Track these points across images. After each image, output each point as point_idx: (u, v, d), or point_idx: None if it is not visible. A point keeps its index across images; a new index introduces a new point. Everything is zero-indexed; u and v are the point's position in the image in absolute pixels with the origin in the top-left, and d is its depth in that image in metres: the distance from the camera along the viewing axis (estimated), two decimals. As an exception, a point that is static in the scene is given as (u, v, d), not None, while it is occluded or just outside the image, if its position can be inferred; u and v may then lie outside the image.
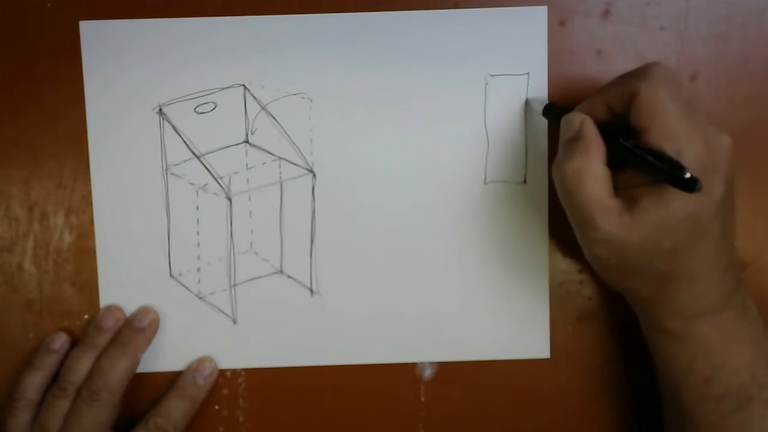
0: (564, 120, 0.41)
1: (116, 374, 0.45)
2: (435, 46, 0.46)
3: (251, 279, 0.47)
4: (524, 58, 0.46)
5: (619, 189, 0.39)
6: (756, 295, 0.47)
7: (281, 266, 0.47)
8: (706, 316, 0.40)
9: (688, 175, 0.36)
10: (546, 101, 0.45)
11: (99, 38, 0.46)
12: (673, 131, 0.38)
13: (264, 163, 0.47)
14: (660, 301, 0.41)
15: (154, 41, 0.46)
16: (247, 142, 0.47)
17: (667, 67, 0.39)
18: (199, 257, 0.47)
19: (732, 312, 0.41)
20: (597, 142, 0.39)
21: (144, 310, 0.47)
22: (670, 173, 0.37)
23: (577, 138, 0.40)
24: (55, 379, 0.45)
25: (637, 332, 0.44)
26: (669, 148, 0.37)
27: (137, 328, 0.46)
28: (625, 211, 0.38)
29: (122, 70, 0.46)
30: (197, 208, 0.47)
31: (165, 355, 0.47)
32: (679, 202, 0.38)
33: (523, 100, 0.46)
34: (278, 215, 0.47)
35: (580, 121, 0.40)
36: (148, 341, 0.47)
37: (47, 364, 0.46)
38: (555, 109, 0.44)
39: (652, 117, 0.38)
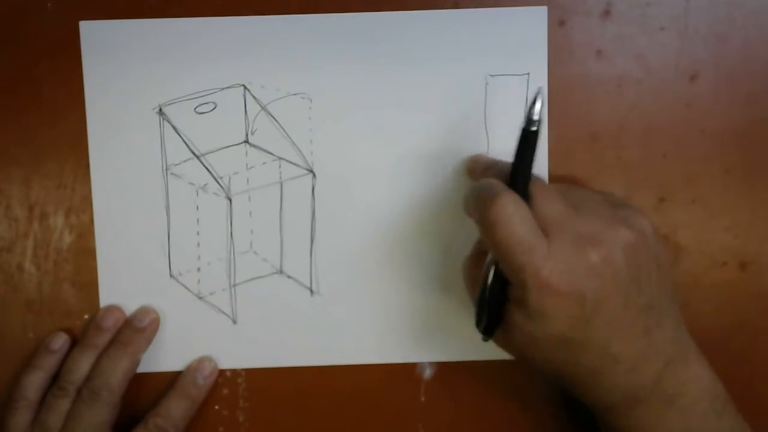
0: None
1: (116, 374, 0.45)
2: (435, 46, 0.46)
3: (251, 279, 0.47)
4: (524, 58, 0.46)
5: None
6: (756, 295, 0.47)
7: (281, 266, 0.47)
8: (619, 410, 0.40)
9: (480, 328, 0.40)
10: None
11: (99, 38, 0.46)
12: (511, 263, 0.37)
13: (264, 163, 0.47)
14: (574, 393, 0.41)
15: (154, 41, 0.46)
16: (247, 142, 0.47)
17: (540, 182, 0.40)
18: (199, 257, 0.47)
19: (653, 404, 0.40)
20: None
21: (144, 310, 0.47)
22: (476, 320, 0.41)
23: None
24: (56, 379, 0.45)
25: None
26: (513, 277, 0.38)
27: (137, 328, 0.46)
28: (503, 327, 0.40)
29: (122, 70, 0.46)
30: (197, 208, 0.47)
31: (165, 355, 0.47)
32: (519, 329, 0.39)
33: (524, 99, 0.46)
34: (278, 215, 0.47)
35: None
36: (148, 341, 0.47)
37: (47, 364, 0.46)
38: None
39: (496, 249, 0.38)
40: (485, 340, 0.41)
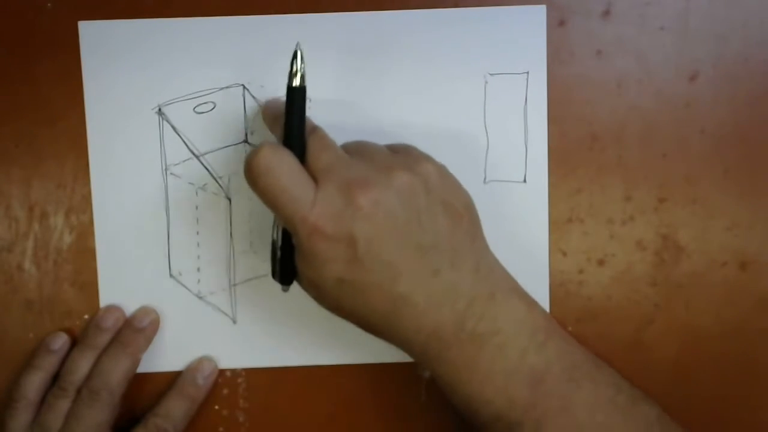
0: None
1: (116, 374, 0.45)
2: (434, 45, 0.46)
3: (251, 279, 0.47)
4: (523, 57, 0.46)
5: None
6: (756, 295, 0.47)
7: (281, 266, 0.47)
8: (430, 354, 0.40)
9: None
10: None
11: (98, 38, 0.46)
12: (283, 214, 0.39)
13: (264, 163, 0.47)
14: (388, 341, 0.41)
15: (154, 41, 0.46)
16: (246, 141, 0.47)
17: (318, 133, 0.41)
18: (198, 257, 0.47)
19: (463, 346, 0.39)
20: None
21: (144, 310, 0.47)
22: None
23: None
24: (56, 379, 0.46)
25: (637, 332, 0.44)
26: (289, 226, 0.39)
27: (137, 328, 0.46)
28: None
29: (122, 70, 0.46)
30: (197, 207, 0.47)
31: (165, 355, 0.47)
32: (303, 276, 0.40)
33: (523, 98, 0.46)
34: (278, 215, 0.47)
35: None
36: (148, 341, 0.47)
37: (47, 364, 0.46)
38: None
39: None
40: (284, 290, 0.42)
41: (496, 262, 0.42)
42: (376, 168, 0.39)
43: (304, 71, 0.40)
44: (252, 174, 0.39)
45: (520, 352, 0.40)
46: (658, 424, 0.41)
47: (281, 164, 0.38)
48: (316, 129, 0.41)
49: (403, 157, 0.41)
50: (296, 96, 0.40)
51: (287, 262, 0.41)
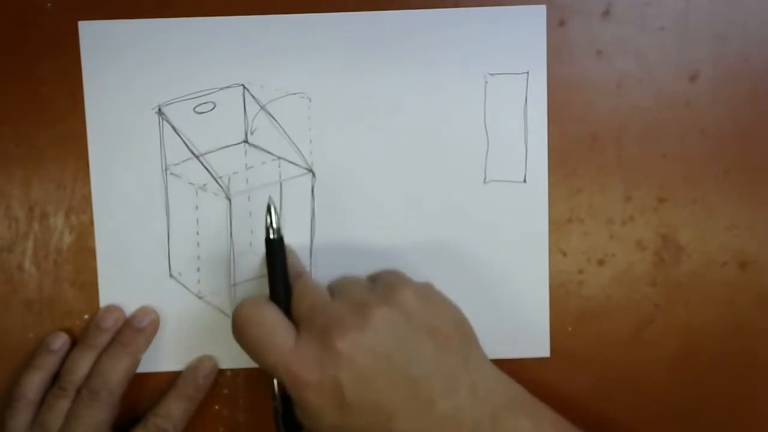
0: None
1: (116, 374, 0.45)
2: (434, 45, 0.46)
3: (251, 279, 0.47)
4: (523, 57, 0.46)
5: None
6: (756, 295, 0.47)
7: (281, 266, 0.47)
8: None
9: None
10: None
11: (98, 38, 0.46)
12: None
13: (263, 162, 0.47)
14: None
15: (154, 41, 0.46)
16: (246, 141, 0.47)
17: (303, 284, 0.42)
18: (198, 257, 0.47)
19: None
20: None
21: (144, 310, 0.47)
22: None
23: None
24: (56, 379, 0.46)
25: (637, 332, 0.44)
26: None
27: (137, 328, 0.46)
28: None
29: (122, 70, 0.46)
30: (197, 207, 0.47)
31: (165, 355, 0.47)
32: (305, 427, 0.40)
33: (523, 98, 0.46)
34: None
35: None
36: (148, 341, 0.47)
37: (47, 364, 0.46)
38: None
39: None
40: None
41: (496, 375, 0.41)
42: (353, 308, 0.39)
43: (279, 223, 0.42)
44: (236, 328, 0.40)
45: None
46: None
47: (261, 316, 0.40)
48: (301, 275, 0.42)
49: (381, 289, 0.41)
50: (275, 247, 0.42)
51: (289, 415, 0.41)
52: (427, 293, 0.41)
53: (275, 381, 0.42)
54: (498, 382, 0.41)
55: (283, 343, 0.39)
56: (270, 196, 0.43)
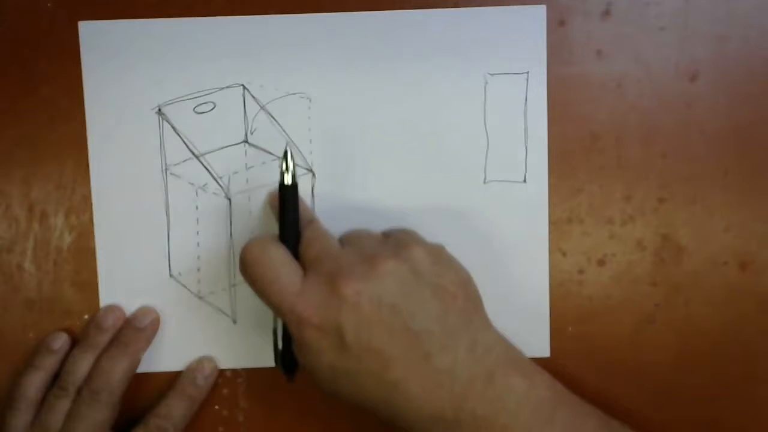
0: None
1: (116, 374, 0.45)
2: (434, 45, 0.46)
3: (251, 279, 0.47)
4: (523, 56, 0.46)
5: None
6: (756, 295, 0.47)
7: (281, 266, 0.47)
8: None
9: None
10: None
11: (98, 38, 0.46)
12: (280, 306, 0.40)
13: (263, 162, 0.47)
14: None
15: (154, 41, 0.46)
16: (246, 141, 0.47)
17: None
18: (199, 257, 0.47)
19: (464, 429, 0.39)
20: None
21: (144, 310, 0.47)
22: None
23: None
24: (56, 379, 0.46)
25: (637, 332, 0.44)
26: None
27: (137, 328, 0.46)
28: None
29: (122, 70, 0.46)
30: (197, 207, 0.47)
31: (165, 355, 0.47)
32: (301, 363, 0.41)
33: (523, 98, 0.46)
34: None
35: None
36: (148, 341, 0.47)
37: (47, 364, 0.46)
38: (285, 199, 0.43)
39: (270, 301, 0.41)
40: (289, 381, 0.44)
41: (496, 338, 0.41)
42: (362, 257, 0.40)
43: (294, 169, 0.42)
44: (243, 266, 0.41)
45: (526, 430, 0.39)
46: None
47: (269, 256, 0.40)
48: (312, 221, 0.43)
49: (392, 243, 0.42)
50: (289, 193, 0.42)
51: (288, 352, 0.42)
52: (438, 253, 0.42)
53: (278, 320, 0.42)
54: (497, 344, 0.41)
55: (289, 283, 0.40)
56: (288, 143, 0.42)
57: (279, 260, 0.41)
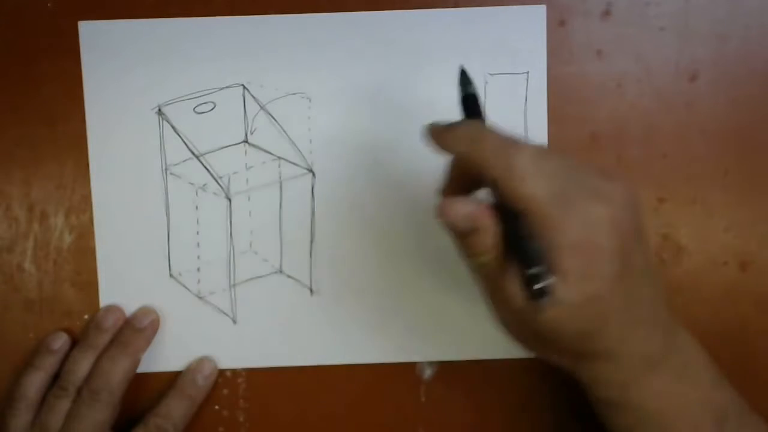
0: (450, 207, 0.36)
1: (116, 374, 0.45)
2: (434, 45, 0.46)
3: (251, 279, 0.47)
4: (523, 56, 0.46)
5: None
6: (756, 295, 0.47)
7: (281, 266, 0.47)
8: (635, 384, 0.38)
9: (538, 286, 0.34)
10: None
11: (98, 38, 0.46)
12: (545, 221, 0.34)
13: (263, 162, 0.47)
14: (584, 375, 0.39)
15: (154, 41, 0.46)
16: (246, 141, 0.47)
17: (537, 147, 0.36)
18: (198, 257, 0.47)
19: (666, 376, 0.38)
20: (496, 230, 0.35)
21: (144, 310, 0.47)
22: (525, 284, 0.35)
23: (477, 231, 0.35)
24: (56, 379, 0.46)
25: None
26: (544, 237, 0.34)
27: (137, 328, 0.46)
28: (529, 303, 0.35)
29: (122, 70, 0.46)
30: (197, 208, 0.47)
31: (165, 355, 0.47)
32: (564, 295, 0.34)
33: (523, 98, 0.46)
34: (278, 215, 0.47)
35: (479, 214, 0.35)
36: (148, 341, 0.47)
37: (47, 364, 0.46)
38: (471, 105, 0.39)
39: (526, 203, 0.34)
40: (540, 304, 0.35)
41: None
42: (603, 181, 0.36)
43: (472, 79, 0.38)
44: (509, 175, 0.34)
45: (710, 386, 0.39)
46: None
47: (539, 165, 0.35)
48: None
49: (614, 178, 0.37)
50: (470, 102, 0.38)
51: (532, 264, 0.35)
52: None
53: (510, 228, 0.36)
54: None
55: (557, 204, 0.34)
56: (462, 64, 0.39)
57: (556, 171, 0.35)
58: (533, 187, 0.34)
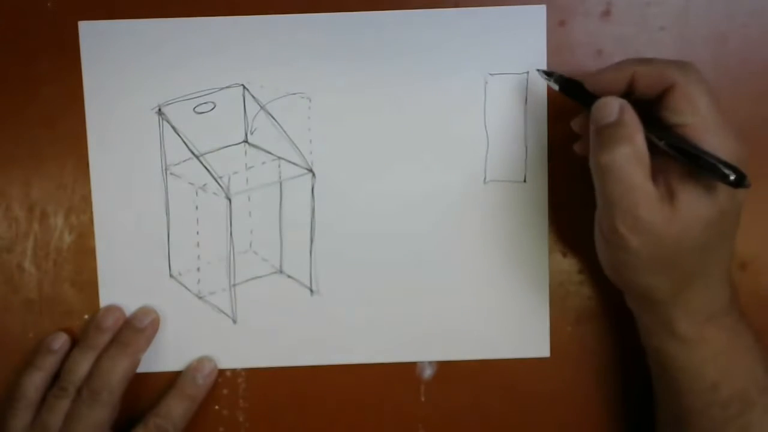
0: (598, 105, 0.40)
1: (116, 374, 0.45)
2: (434, 45, 0.46)
3: (251, 279, 0.47)
4: (523, 56, 0.46)
5: (653, 177, 0.38)
6: (756, 295, 0.47)
7: (281, 266, 0.47)
8: (715, 319, 0.40)
9: (733, 177, 0.37)
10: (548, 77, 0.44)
11: (98, 38, 0.46)
12: (714, 128, 0.38)
13: (263, 162, 0.47)
14: (676, 302, 0.40)
15: (154, 41, 0.46)
16: (246, 141, 0.47)
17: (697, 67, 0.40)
18: (198, 257, 0.47)
19: (735, 316, 0.41)
20: (640, 128, 0.38)
21: (144, 310, 0.47)
22: (720, 170, 0.37)
23: (618, 124, 0.39)
24: (56, 379, 0.46)
25: (637, 332, 0.44)
26: (710, 144, 0.38)
27: (137, 328, 0.46)
28: (666, 202, 0.38)
29: (121, 70, 0.46)
30: (197, 207, 0.47)
31: (165, 355, 0.47)
32: (720, 199, 0.38)
33: (523, 98, 0.46)
34: (278, 215, 0.47)
35: (620, 107, 0.39)
36: (148, 341, 0.47)
37: (47, 364, 0.46)
38: (572, 86, 0.43)
39: (694, 112, 0.38)
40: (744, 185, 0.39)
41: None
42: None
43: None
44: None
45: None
46: None
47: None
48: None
49: None
50: (571, 85, 0.43)
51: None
52: None
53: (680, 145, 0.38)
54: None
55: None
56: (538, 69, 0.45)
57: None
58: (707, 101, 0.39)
